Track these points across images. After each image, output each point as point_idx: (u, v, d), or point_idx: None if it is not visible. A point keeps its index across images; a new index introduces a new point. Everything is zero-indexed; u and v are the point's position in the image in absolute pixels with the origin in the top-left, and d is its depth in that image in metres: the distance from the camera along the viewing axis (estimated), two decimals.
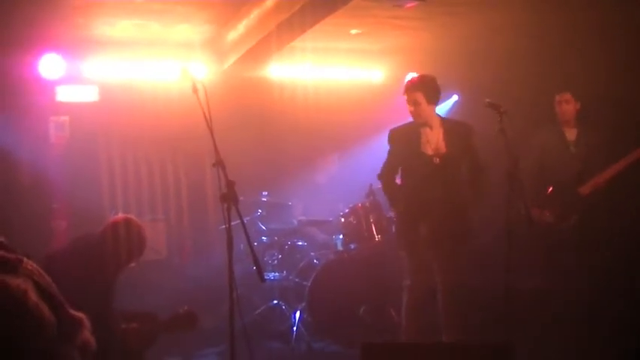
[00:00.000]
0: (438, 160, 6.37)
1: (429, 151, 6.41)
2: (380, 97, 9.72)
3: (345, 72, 10.00)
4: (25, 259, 3.10)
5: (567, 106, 7.52)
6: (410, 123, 6.59)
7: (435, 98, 6.50)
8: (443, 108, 9.74)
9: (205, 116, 4.86)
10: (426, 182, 6.35)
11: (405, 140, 6.53)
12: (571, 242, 7.39)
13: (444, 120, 6.62)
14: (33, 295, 2.90)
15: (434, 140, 6.43)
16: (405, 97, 6.50)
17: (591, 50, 7.72)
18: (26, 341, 2.78)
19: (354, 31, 8.65)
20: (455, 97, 9.90)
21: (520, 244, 5.78)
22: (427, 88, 6.45)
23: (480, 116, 6.94)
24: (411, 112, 6.48)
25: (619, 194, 7.37)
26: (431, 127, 6.48)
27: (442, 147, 6.41)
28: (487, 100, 5.87)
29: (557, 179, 7.47)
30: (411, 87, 6.46)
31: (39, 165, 8.34)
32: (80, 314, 3.24)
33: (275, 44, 7.97)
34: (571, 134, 7.58)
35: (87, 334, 3.28)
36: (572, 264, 7.39)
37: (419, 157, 6.42)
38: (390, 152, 6.65)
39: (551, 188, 7.50)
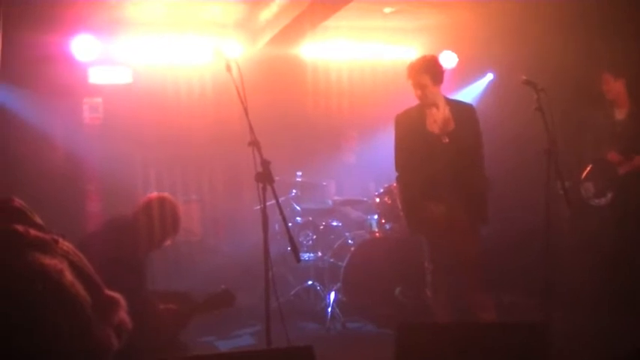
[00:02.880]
0: (447, 139, 6.31)
1: (437, 131, 6.35)
2: None
3: (378, 51, 9.92)
4: (60, 239, 3.08)
5: (608, 86, 7.43)
6: (415, 106, 6.53)
7: (440, 78, 6.41)
8: (477, 87, 9.67)
9: (239, 94, 4.82)
10: (437, 162, 6.29)
11: (410, 122, 6.48)
12: (609, 220, 7.34)
13: (448, 99, 6.55)
14: (69, 275, 2.88)
15: (440, 119, 6.37)
16: (411, 81, 6.42)
17: (634, 26, 7.56)
18: (62, 321, 2.76)
19: (387, 10, 8.57)
20: (490, 76, 9.79)
21: (559, 223, 5.74)
22: (432, 69, 6.38)
23: (516, 95, 6.87)
24: (418, 95, 6.40)
25: None
26: (437, 107, 6.41)
27: (450, 125, 6.35)
28: (524, 77, 5.80)
29: (602, 157, 7.39)
30: (416, 70, 6.38)
31: (73, 146, 8.37)
32: (116, 294, 3.22)
33: (308, 23, 7.92)
34: (621, 113, 7.49)
35: (123, 314, 3.26)
36: (601, 244, 7.35)
37: (427, 137, 6.36)
38: (396, 138, 6.58)
39: (589, 167, 7.44)
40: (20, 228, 2.83)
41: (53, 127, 8.34)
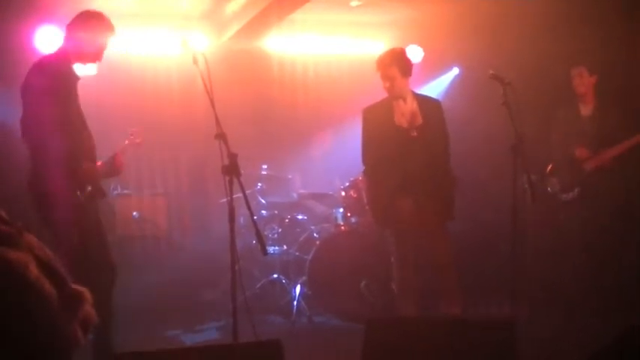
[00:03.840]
0: (415, 132, 6.34)
1: (405, 124, 6.37)
2: None
3: (345, 45, 9.90)
4: (25, 232, 3.03)
5: (581, 80, 7.46)
6: (382, 99, 6.56)
7: (408, 71, 6.49)
8: (443, 81, 9.69)
9: (206, 87, 4.81)
10: (405, 156, 6.31)
11: (378, 116, 6.51)
12: (574, 216, 7.40)
13: (416, 94, 6.58)
14: (34, 269, 2.82)
15: (408, 113, 6.39)
16: (379, 73, 6.45)
17: (608, 21, 7.60)
18: (27, 316, 2.71)
19: (354, 3, 8.57)
20: (455, 70, 9.82)
21: (526, 218, 5.77)
22: (401, 62, 6.44)
23: (482, 90, 6.91)
24: (386, 88, 6.45)
25: (622, 173, 7.34)
26: (405, 101, 6.44)
27: (418, 119, 6.38)
28: (491, 71, 5.85)
29: (570, 153, 7.44)
30: (385, 62, 6.43)
31: None
32: (82, 288, 3.18)
33: (275, 16, 7.91)
34: (587, 109, 7.54)
35: (89, 308, 3.21)
36: (570, 239, 7.41)
37: (395, 130, 6.39)
38: (363, 132, 6.60)
39: (552, 163, 7.49)
40: None
41: (16, 120, 8.21)
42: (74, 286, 3.12)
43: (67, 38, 5.61)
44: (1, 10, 7.42)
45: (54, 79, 5.30)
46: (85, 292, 3.20)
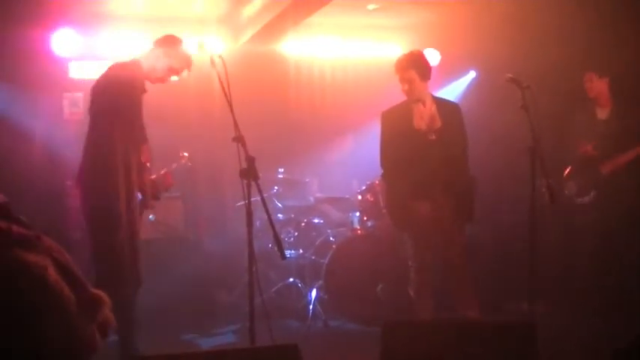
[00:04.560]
0: (433, 136, 6.32)
1: (423, 127, 6.35)
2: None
3: (362, 48, 9.88)
4: (43, 236, 3.03)
5: (591, 85, 7.44)
6: (401, 102, 6.55)
7: (427, 74, 6.45)
8: (460, 85, 9.66)
9: (224, 89, 4.80)
10: (424, 160, 6.29)
11: (396, 119, 6.49)
12: (589, 219, 7.36)
13: (435, 97, 6.56)
14: (53, 273, 2.83)
15: (427, 116, 6.37)
16: (398, 76, 6.43)
17: (623, 22, 7.57)
18: (46, 319, 2.72)
19: (371, 7, 8.55)
20: (472, 74, 9.79)
21: (542, 220, 5.75)
22: (419, 65, 6.40)
23: (499, 93, 6.88)
24: (405, 91, 6.43)
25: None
26: (424, 103, 6.42)
27: (437, 122, 6.36)
28: (509, 75, 5.83)
29: (579, 154, 7.41)
30: (404, 65, 6.40)
31: (52, 141, 8.28)
32: (100, 292, 3.17)
33: (291, 19, 7.89)
34: (603, 112, 7.51)
35: (107, 312, 3.21)
36: (586, 242, 7.37)
37: (413, 134, 6.37)
38: (382, 135, 6.59)
39: (570, 167, 7.46)
40: (3, 224, 2.78)
41: (32, 122, 8.24)
42: (93, 290, 3.12)
43: (147, 53, 5.86)
44: (17, 13, 7.43)
45: (130, 85, 5.55)
46: (104, 296, 3.20)
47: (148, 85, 5.84)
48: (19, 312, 2.63)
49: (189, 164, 6.35)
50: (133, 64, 5.77)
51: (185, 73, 5.92)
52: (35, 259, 2.82)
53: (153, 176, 5.94)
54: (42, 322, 2.71)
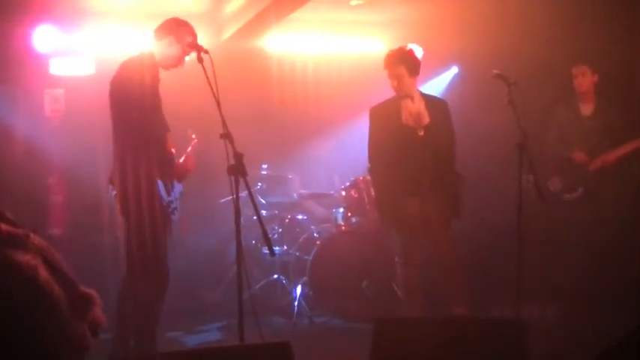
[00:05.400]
0: (422, 132, 6.31)
1: (412, 124, 6.34)
2: (380, 70, 9.60)
3: (345, 44, 9.86)
4: (32, 234, 2.98)
5: (583, 79, 7.41)
6: (390, 98, 6.54)
7: (416, 70, 6.47)
8: (442, 80, 9.65)
9: (211, 86, 4.77)
10: (412, 156, 6.28)
11: (385, 115, 6.49)
12: (575, 216, 7.36)
13: (423, 94, 6.56)
14: (43, 272, 2.78)
15: (416, 112, 6.36)
16: (387, 71, 6.42)
17: (608, 18, 7.57)
18: (37, 318, 2.66)
19: (354, 2, 8.52)
20: (454, 69, 9.77)
21: (529, 217, 5.73)
22: (408, 61, 6.41)
23: (483, 88, 6.87)
24: (393, 86, 6.43)
25: (629, 173, 7.32)
26: (412, 100, 6.41)
27: (425, 118, 6.35)
28: (495, 71, 5.83)
29: (568, 156, 7.40)
30: (393, 61, 6.40)
31: (34, 138, 8.20)
32: (91, 290, 3.13)
33: (274, 16, 7.86)
34: (587, 109, 7.50)
35: (98, 311, 3.17)
36: (574, 239, 7.36)
37: (401, 130, 6.36)
38: (370, 131, 6.58)
39: (553, 164, 7.46)
40: None
41: (13, 119, 8.15)
42: (83, 288, 3.08)
43: (154, 44, 5.85)
44: None
45: (139, 80, 5.59)
46: (95, 295, 3.16)
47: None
48: (8, 312, 2.57)
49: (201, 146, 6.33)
50: (144, 57, 5.77)
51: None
52: (25, 258, 2.76)
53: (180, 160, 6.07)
54: (32, 322, 2.66)
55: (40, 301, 2.67)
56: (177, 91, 8.33)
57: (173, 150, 5.94)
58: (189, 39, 5.74)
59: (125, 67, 5.70)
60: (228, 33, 8.58)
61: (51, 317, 2.71)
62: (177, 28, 5.77)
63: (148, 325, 5.70)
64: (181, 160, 6.07)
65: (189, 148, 6.25)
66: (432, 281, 6.53)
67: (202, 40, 8.53)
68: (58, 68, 8.44)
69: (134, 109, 5.54)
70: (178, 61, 5.85)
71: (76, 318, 2.91)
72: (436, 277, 6.49)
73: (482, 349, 4.02)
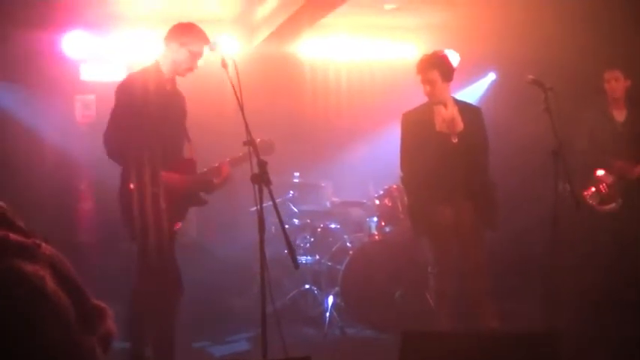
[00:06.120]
0: (455, 139, 6.16)
1: (445, 130, 6.19)
2: (414, 75, 9.47)
3: (378, 49, 9.74)
4: (42, 244, 2.86)
5: (616, 84, 7.24)
6: (423, 104, 6.40)
7: (449, 75, 6.31)
8: (479, 87, 9.48)
9: (235, 92, 4.67)
10: (445, 163, 6.14)
11: (418, 121, 6.34)
12: (610, 228, 7.15)
13: (457, 100, 6.41)
14: (51, 283, 2.67)
15: (449, 118, 6.20)
16: (420, 76, 6.27)
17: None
18: (44, 331, 2.55)
19: (388, 7, 8.41)
20: (492, 76, 9.60)
21: (564, 227, 5.56)
22: (442, 66, 6.26)
23: (520, 95, 6.71)
24: (426, 92, 6.29)
25: None
26: (445, 106, 6.26)
27: (459, 125, 6.20)
28: (530, 76, 5.67)
29: (604, 161, 7.20)
30: (426, 66, 6.25)
31: (64, 144, 8.17)
32: (102, 303, 3.02)
33: (306, 20, 7.78)
34: (620, 115, 7.33)
35: (110, 324, 3.05)
36: (610, 251, 7.16)
37: (435, 136, 6.22)
38: (402, 137, 6.44)
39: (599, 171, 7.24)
40: None
41: (44, 125, 8.13)
42: (95, 301, 2.96)
43: (163, 52, 5.83)
44: (27, 15, 7.34)
45: (128, 95, 5.58)
46: (106, 307, 3.04)
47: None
48: (14, 324, 2.46)
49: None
50: (146, 69, 5.76)
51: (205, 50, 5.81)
52: (33, 268, 2.66)
53: (204, 170, 6.01)
54: (39, 334, 2.55)
55: (46, 312, 2.56)
56: (206, 97, 8.30)
57: (193, 159, 5.96)
58: (195, 43, 5.72)
59: (128, 77, 5.77)
60: (260, 38, 8.51)
61: (58, 329, 2.60)
62: (180, 34, 5.75)
63: (164, 335, 5.63)
64: (205, 170, 6.03)
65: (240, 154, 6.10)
66: (464, 293, 6.36)
67: (234, 45, 8.54)
68: (88, 74, 8.41)
69: (124, 117, 5.53)
70: (189, 66, 5.78)
71: (85, 331, 2.80)
72: (468, 289, 6.32)
73: None
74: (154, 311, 5.57)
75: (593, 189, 7.21)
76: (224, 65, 4.85)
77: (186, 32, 5.76)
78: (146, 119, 5.49)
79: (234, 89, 4.70)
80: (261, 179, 4.59)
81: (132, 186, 5.51)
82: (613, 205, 7.18)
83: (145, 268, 5.57)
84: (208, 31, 8.43)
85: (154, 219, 5.49)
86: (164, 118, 5.65)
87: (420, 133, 6.29)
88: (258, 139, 5.71)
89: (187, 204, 5.96)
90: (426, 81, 6.23)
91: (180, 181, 5.73)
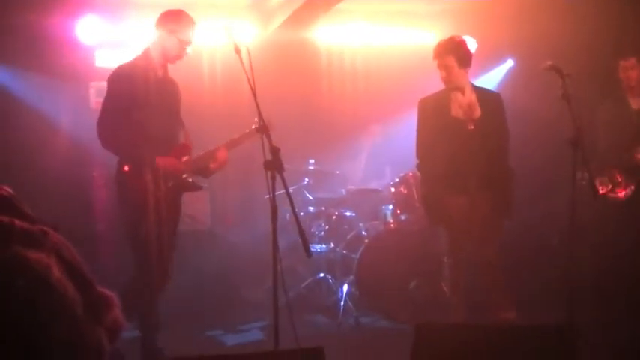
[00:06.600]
0: (472, 126, 6.08)
1: (462, 116, 6.10)
2: (430, 62, 9.39)
3: (394, 35, 9.64)
4: (50, 231, 2.81)
5: (632, 72, 7.12)
6: (440, 90, 6.32)
7: (466, 61, 6.22)
8: (497, 74, 9.38)
9: (248, 78, 4.60)
10: (462, 150, 6.06)
11: (434, 107, 6.27)
12: (623, 215, 7.05)
13: (475, 86, 6.31)
14: (56, 271, 2.60)
15: (466, 105, 6.12)
16: (436, 62, 6.19)
17: None
18: (49, 320, 2.49)
19: None
20: (510, 62, 9.49)
21: (581, 216, 5.47)
22: (459, 51, 6.17)
23: (538, 82, 6.61)
24: (443, 78, 6.21)
25: None
26: (462, 92, 6.18)
27: (476, 111, 6.12)
28: (548, 62, 5.56)
29: (621, 149, 7.09)
30: (442, 51, 6.17)
31: (79, 131, 8.12)
32: (109, 292, 2.97)
33: (322, 5, 7.76)
34: (635, 102, 7.20)
35: (117, 313, 2.99)
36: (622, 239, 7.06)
37: (451, 123, 6.15)
38: (419, 124, 6.37)
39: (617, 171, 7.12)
40: (4, 219, 2.58)
41: (58, 112, 8.10)
42: (102, 289, 2.91)
43: (153, 39, 5.88)
44: (40, 0, 7.29)
45: (119, 84, 5.67)
46: (114, 296, 2.99)
47: (173, 71, 5.95)
48: (18, 314, 2.41)
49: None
50: (137, 58, 5.82)
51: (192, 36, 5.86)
52: (38, 256, 2.60)
53: (200, 153, 6.04)
54: (44, 324, 2.49)
55: (51, 301, 2.51)
56: (221, 83, 8.25)
57: (188, 145, 6.02)
58: (183, 30, 5.76)
59: (118, 67, 5.81)
60: (275, 24, 8.46)
61: (63, 318, 2.55)
62: (169, 21, 5.78)
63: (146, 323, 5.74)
64: (201, 154, 6.07)
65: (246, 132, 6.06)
66: (479, 283, 6.28)
67: (249, 31, 8.48)
68: (103, 60, 8.35)
69: (116, 107, 5.62)
70: (177, 54, 5.81)
71: (91, 321, 2.75)
72: (482, 279, 6.24)
73: (528, 357, 3.84)
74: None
75: (606, 178, 7.10)
76: (237, 51, 4.78)
77: (174, 20, 5.78)
78: (137, 108, 5.56)
79: (246, 75, 4.64)
80: (274, 166, 4.53)
81: (126, 172, 5.62)
82: (627, 191, 7.07)
83: (137, 258, 5.68)
84: (223, 16, 8.42)
85: (146, 207, 5.55)
86: (157, 105, 5.70)
87: (436, 120, 6.22)
88: (255, 119, 5.82)
89: (181, 189, 5.98)
90: (443, 66, 6.15)
91: (175, 164, 5.77)
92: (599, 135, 7.22)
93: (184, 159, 5.85)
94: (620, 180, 7.04)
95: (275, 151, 4.53)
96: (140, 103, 5.56)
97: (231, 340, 6.94)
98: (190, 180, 5.96)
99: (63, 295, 2.56)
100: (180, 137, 6.01)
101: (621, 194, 7.07)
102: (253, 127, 5.96)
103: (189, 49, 5.83)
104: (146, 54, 5.78)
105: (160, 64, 5.79)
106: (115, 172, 5.73)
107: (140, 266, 5.67)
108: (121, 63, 5.82)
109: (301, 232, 4.56)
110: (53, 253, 2.65)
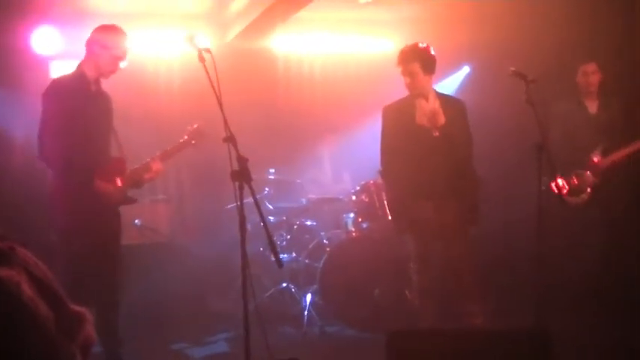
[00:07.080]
0: (437, 132, 6.07)
1: (426, 123, 6.10)
2: (390, 70, 9.39)
3: (353, 43, 9.67)
4: (18, 248, 2.72)
5: (593, 77, 7.24)
6: (404, 97, 6.30)
7: (431, 68, 6.21)
8: (454, 80, 9.41)
9: (213, 86, 4.54)
10: (427, 158, 6.05)
11: (398, 114, 6.26)
12: (585, 215, 7.13)
13: (439, 93, 6.32)
14: (27, 289, 2.53)
15: (430, 111, 6.12)
16: (400, 68, 6.18)
17: (616, 19, 7.39)
18: (21, 339, 2.42)
19: (362, 1, 8.32)
20: (466, 69, 9.53)
21: (547, 220, 5.50)
22: (423, 58, 6.16)
23: (496, 87, 6.64)
24: (407, 84, 6.20)
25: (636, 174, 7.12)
26: (426, 99, 6.17)
27: (440, 118, 6.12)
28: (512, 68, 5.61)
29: (578, 152, 7.17)
30: (407, 57, 6.16)
31: (34, 143, 7.99)
32: (82, 309, 2.89)
33: (280, 14, 7.72)
34: (592, 106, 7.32)
35: (89, 330, 2.92)
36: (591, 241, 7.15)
37: (416, 130, 6.14)
38: (383, 131, 6.35)
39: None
40: None
41: (12, 124, 7.95)
42: (73, 306, 2.83)
43: (85, 54, 5.90)
44: None
45: (53, 99, 5.70)
46: (86, 312, 2.91)
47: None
48: None
49: (193, 142, 6.11)
50: (70, 73, 5.90)
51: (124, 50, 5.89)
52: (7, 273, 2.53)
53: (136, 166, 6.01)
54: (16, 342, 2.42)
55: (22, 320, 2.44)
56: (180, 92, 8.17)
57: (122, 158, 6.01)
58: (116, 46, 5.81)
59: (51, 82, 5.93)
60: (233, 33, 8.44)
61: (36, 336, 2.48)
62: (102, 37, 5.82)
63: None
64: (136, 167, 6.04)
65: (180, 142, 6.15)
66: (446, 289, 6.28)
67: (207, 41, 8.39)
68: (58, 71, 8.22)
69: (51, 122, 5.68)
70: (110, 69, 5.85)
71: (64, 338, 2.67)
72: (450, 285, 6.24)
73: None
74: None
75: (561, 181, 7.16)
76: (201, 59, 4.72)
77: (107, 35, 5.81)
78: (71, 122, 5.56)
79: (211, 84, 4.58)
80: (242, 176, 4.47)
81: (60, 189, 5.66)
82: (582, 194, 7.14)
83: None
84: (181, 26, 8.34)
85: (78, 228, 5.57)
86: (90, 118, 5.72)
87: (400, 127, 6.21)
88: (195, 125, 6.07)
89: (117, 205, 5.96)
90: (407, 73, 6.13)
91: (111, 193, 5.77)
92: (556, 138, 7.27)
93: (120, 179, 5.85)
94: (576, 183, 7.11)
95: (243, 161, 4.48)
96: (74, 117, 5.58)
97: (198, 353, 6.87)
98: (125, 195, 5.97)
99: (35, 313, 2.48)
100: (113, 149, 6.02)
101: (576, 199, 7.14)
102: (186, 137, 6.12)
103: (122, 64, 5.84)
104: (80, 69, 5.81)
105: (93, 78, 5.81)
106: (51, 185, 5.79)
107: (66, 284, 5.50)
108: (55, 77, 5.92)
109: (271, 243, 4.55)
110: (23, 270, 2.57)
